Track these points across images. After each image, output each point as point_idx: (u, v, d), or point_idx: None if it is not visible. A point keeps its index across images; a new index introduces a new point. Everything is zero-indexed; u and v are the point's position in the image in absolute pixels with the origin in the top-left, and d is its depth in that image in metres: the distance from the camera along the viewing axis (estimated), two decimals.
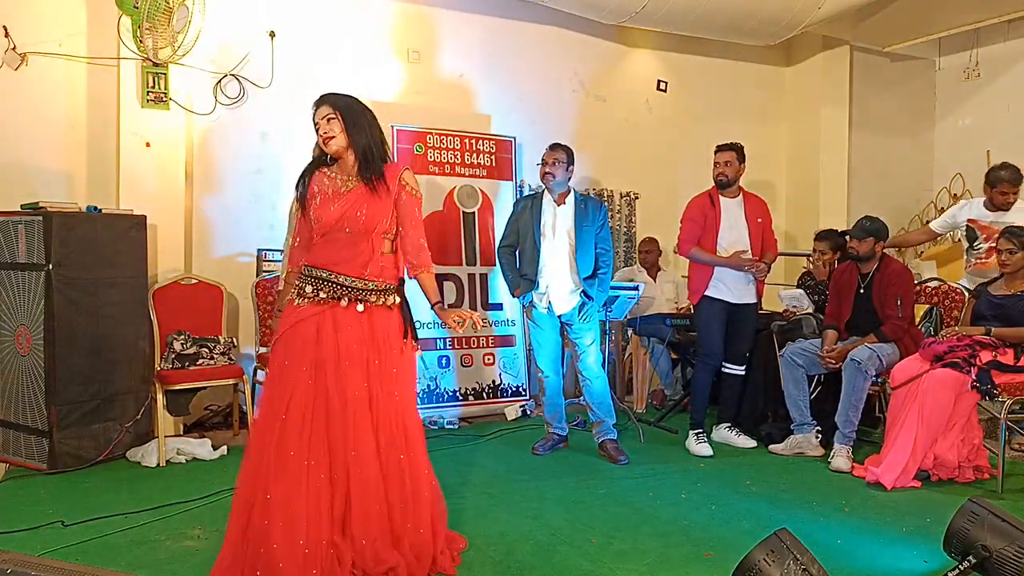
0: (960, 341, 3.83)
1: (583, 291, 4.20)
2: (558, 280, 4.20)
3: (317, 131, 2.68)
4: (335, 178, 2.70)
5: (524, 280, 4.24)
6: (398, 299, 2.72)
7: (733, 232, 4.37)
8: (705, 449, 4.34)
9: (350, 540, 2.51)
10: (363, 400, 2.57)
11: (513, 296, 4.50)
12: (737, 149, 4.38)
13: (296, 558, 2.39)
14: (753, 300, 4.46)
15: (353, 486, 2.53)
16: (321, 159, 2.75)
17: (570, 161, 4.24)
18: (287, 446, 2.49)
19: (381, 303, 2.67)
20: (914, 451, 3.71)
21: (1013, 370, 3.77)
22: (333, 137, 2.64)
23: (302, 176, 2.75)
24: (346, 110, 2.66)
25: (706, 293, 4.36)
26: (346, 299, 2.62)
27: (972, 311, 4.12)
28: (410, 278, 2.84)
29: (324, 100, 2.68)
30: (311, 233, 2.74)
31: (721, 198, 4.41)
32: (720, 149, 4.42)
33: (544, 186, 4.29)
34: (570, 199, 4.27)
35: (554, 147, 4.24)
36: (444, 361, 5.16)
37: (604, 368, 4.40)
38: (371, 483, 2.55)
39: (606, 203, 6.01)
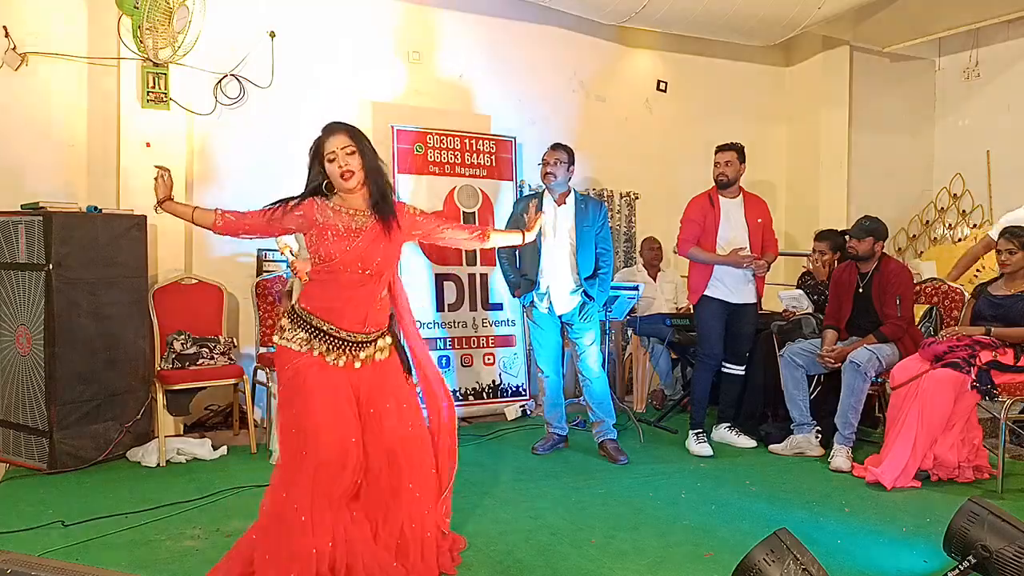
0: (960, 341, 3.83)
1: (584, 291, 4.20)
2: (559, 280, 4.20)
3: (330, 161, 2.47)
4: (341, 212, 2.51)
5: (524, 280, 4.25)
6: (390, 340, 2.65)
7: (733, 232, 4.37)
8: (705, 449, 4.34)
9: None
10: (376, 442, 2.53)
11: (513, 296, 4.50)
12: (737, 149, 4.38)
13: None
14: (753, 300, 4.46)
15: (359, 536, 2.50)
16: (317, 189, 2.54)
17: (571, 161, 4.24)
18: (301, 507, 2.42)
19: (376, 353, 2.57)
20: (914, 451, 3.71)
21: (1013, 370, 3.77)
22: (354, 173, 2.46)
23: (298, 200, 2.54)
24: (362, 144, 2.49)
25: (705, 293, 4.36)
26: (343, 357, 2.50)
27: (972, 311, 4.12)
28: (483, 246, 3.01)
29: (340, 129, 2.50)
30: (266, 225, 2.55)
31: (721, 198, 4.41)
32: (720, 149, 4.41)
33: (544, 186, 4.29)
34: (570, 199, 4.27)
35: (555, 147, 4.24)
36: (444, 361, 5.15)
37: (604, 368, 4.40)
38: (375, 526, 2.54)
39: (606, 203, 6.01)
